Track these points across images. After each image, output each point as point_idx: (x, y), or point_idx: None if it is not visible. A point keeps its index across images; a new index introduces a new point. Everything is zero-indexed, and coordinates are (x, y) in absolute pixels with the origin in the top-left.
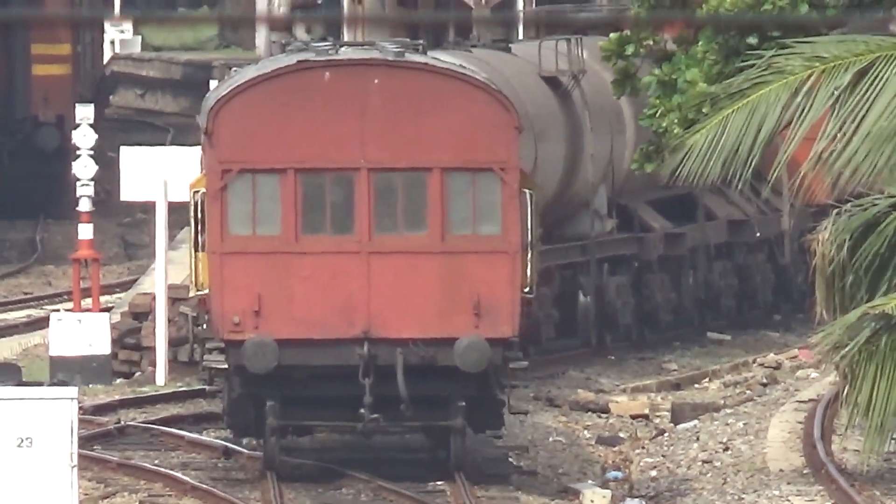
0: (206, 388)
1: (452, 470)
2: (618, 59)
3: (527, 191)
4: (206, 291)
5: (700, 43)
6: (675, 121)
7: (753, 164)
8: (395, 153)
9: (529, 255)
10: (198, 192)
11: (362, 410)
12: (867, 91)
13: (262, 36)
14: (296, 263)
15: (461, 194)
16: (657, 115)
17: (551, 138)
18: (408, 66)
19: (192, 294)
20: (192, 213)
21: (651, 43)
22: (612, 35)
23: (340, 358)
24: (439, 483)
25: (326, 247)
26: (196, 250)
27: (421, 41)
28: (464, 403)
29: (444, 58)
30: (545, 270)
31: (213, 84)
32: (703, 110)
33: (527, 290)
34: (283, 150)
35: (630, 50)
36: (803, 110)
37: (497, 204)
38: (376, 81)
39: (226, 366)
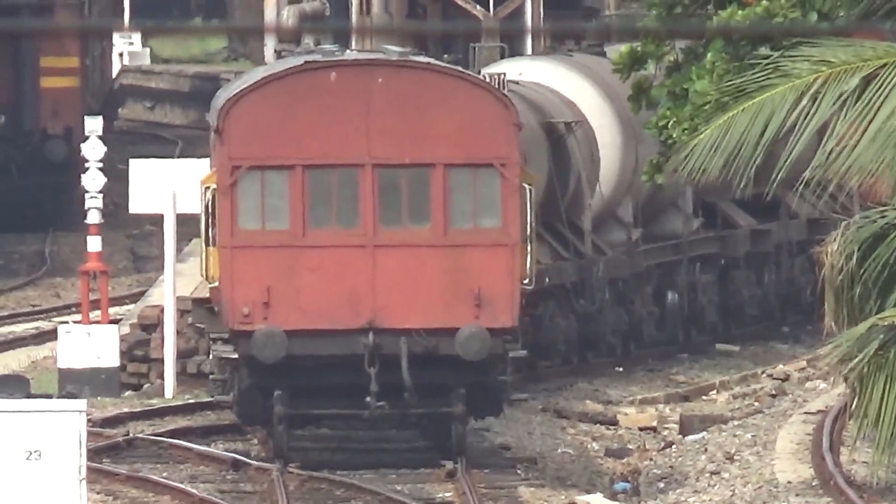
0: (213, 396)
1: (454, 456)
2: (630, 72)
3: (526, 185)
4: (217, 284)
5: (710, 54)
6: (685, 131)
7: (757, 162)
8: (398, 150)
9: (529, 248)
10: (209, 188)
11: (368, 398)
12: (874, 96)
13: (270, 49)
14: (303, 256)
15: (463, 189)
16: (667, 125)
17: (648, 139)
18: (411, 65)
19: (189, 296)
20: (202, 209)
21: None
22: (623, 49)
23: (346, 347)
24: (448, 494)
25: (333, 240)
26: (207, 244)
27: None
28: (464, 391)
29: (545, 63)
30: (645, 271)
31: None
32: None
33: (526, 281)
34: (291, 147)
35: (650, 67)
36: (808, 113)
37: (497, 198)
38: (380, 81)
39: (235, 356)
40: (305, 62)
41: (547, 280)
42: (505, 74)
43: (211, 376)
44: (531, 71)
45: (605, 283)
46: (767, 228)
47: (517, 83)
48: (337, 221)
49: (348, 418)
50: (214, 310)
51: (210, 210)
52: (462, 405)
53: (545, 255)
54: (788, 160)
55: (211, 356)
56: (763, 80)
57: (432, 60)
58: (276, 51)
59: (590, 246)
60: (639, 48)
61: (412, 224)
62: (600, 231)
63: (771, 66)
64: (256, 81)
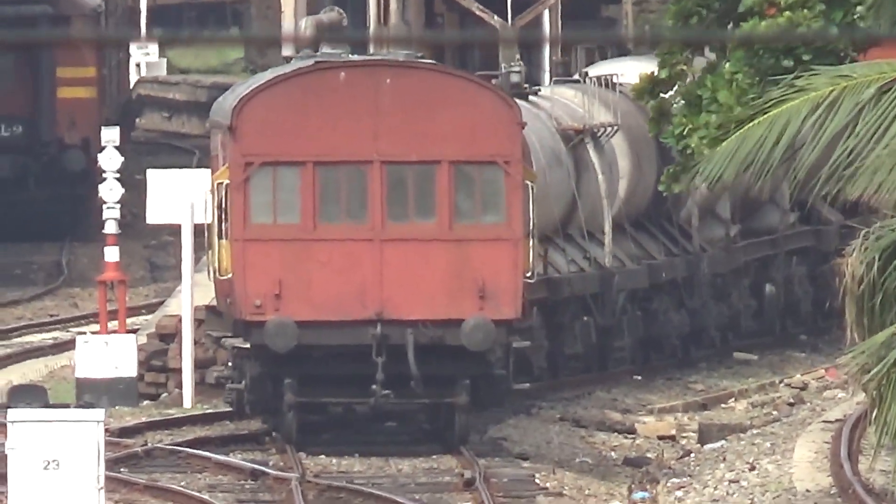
0: (226, 388)
1: (456, 444)
2: (650, 97)
3: (528, 182)
4: (229, 276)
5: (728, 63)
6: (703, 140)
7: (772, 170)
8: (406, 147)
9: (531, 243)
10: (221, 183)
11: (374, 387)
12: (889, 106)
13: None
14: (314, 250)
15: (467, 186)
16: (683, 133)
17: None
18: (417, 66)
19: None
20: (214, 203)
21: (684, 69)
22: (641, 75)
23: (355, 338)
24: None
25: (342, 234)
26: (219, 238)
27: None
28: (468, 381)
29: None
30: (743, 265)
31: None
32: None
33: (528, 274)
34: (302, 145)
35: (664, 74)
36: (824, 122)
37: (501, 195)
38: (388, 81)
39: (248, 346)
40: (316, 62)
41: (663, 275)
42: (615, 76)
43: (228, 385)
44: (633, 71)
45: (709, 278)
46: (854, 225)
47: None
48: (346, 216)
49: (355, 406)
50: (225, 303)
51: (223, 205)
52: (466, 395)
53: (659, 252)
54: (801, 167)
55: (229, 363)
56: (779, 97)
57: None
58: (284, 57)
59: (697, 243)
60: (656, 73)
61: (418, 219)
62: (700, 227)
63: (786, 84)
64: (268, 81)
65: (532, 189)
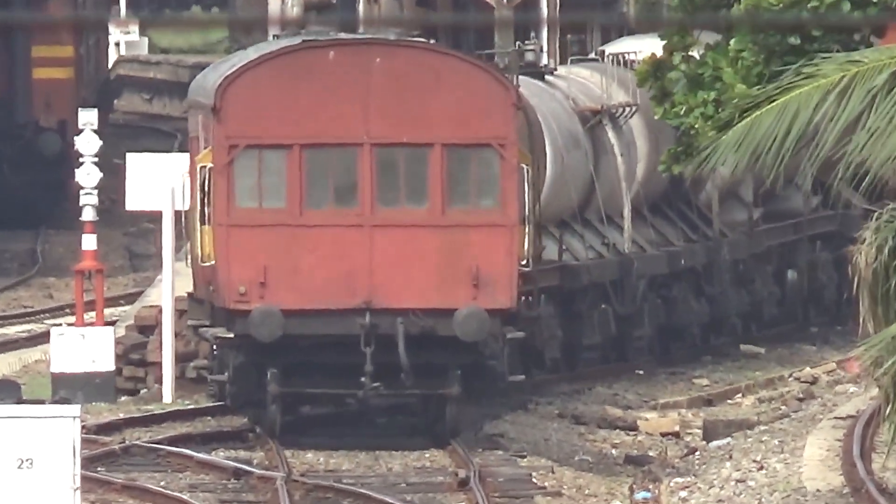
0: (208, 380)
1: (448, 437)
2: (653, 81)
3: (524, 166)
4: (212, 263)
5: (733, 41)
6: (707, 119)
7: (785, 160)
8: (397, 129)
9: (527, 229)
10: (204, 166)
11: (363, 379)
12: None
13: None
14: (300, 236)
15: (461, 169)
16: (683, 112)
17: None
18: (409, 45)
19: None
20: (197, 187)
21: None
22: (644, 58)
23: (343, 327)
24: None
25: (330, 220)
26: (201, 223)
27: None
28: (460, 372)
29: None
30: (765, 251)
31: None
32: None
33: (524, 262)
34: (289, 126)
35: (677, 59)
36: (835, 111)
37: (496, 179)
38: (378, 60)
39: (231, 335)
40: (303, 41)
41: (682, 262)
42: (632, 54)
43: (209, 377)
44: (651, 49)
45: (729, 264)
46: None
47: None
48: (334, 201)
49: (342, 398)
50: (207, 291)
51: (206, 189)
52: (458, 386)
53: (678, 239)
54: (815, 160)
55: (213, 353)
56: (788, 85)
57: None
58: (272, 35)
59: (717, 228)
60: (658, 56)
61: (410, 204)
62: (720, 211)
63: (794, 72)
64: (254, 60)
65: (528, 173)
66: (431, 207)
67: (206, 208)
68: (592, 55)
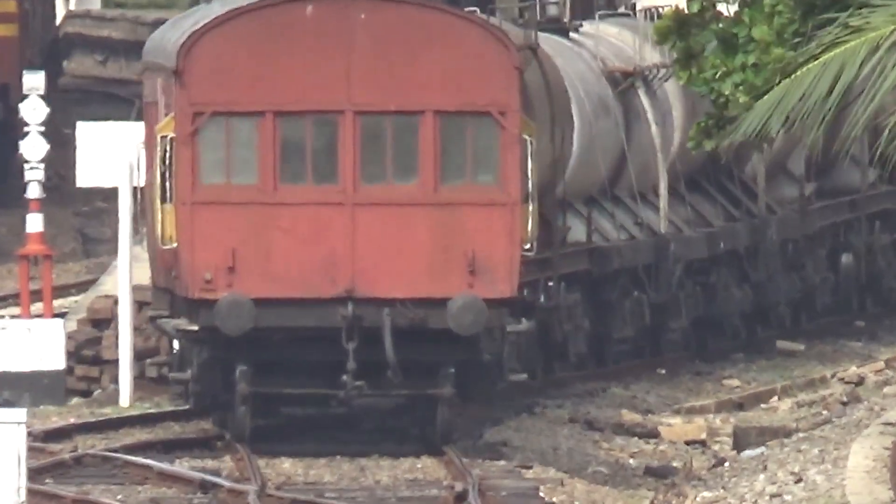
0: (170, 379)
1: (439, 443)
2: (675, 40)
3: (527, 137)
4: (174, 246)
5: None
6: (738, 85)
7: (827, 119)
8: (383, 95)
9: (530, 208)
10: (165, 137)
11: (344, 377)
12: None
13: None
14: (274, 215)
15: (456, 140)
16: (716, 76)
17: None
18: (397, 0)
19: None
20: (157, 160)
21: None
22: (666, 11)
23: (322, 319)
24: None
25: (307, 197)
26: (163, 201)
27: None
28: (453, 370)
29: None
30: (818, 231)
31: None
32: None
33: (527, 246)
34: (261, 92)
35: (695, 7)
36: (885, 68)
37: (495, 151)
38: (363, 17)
39: (195, 328)
40: None
41: (721, 245)
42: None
43: (170, 375)
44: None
45: (778, 246)
46: None
47: None
48: (312, 176)
49: (322, 400)
50: (168, 278)
51: (167, 162)
52: (451, 386)
53: (717, 217)
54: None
55: (173, 348)
56: (832, 40)
57: None
58: None
59: (763, 204)
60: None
61: (398, 180)
62: (768, 187)
63: (840, 24)
64: (221, 16)
65: (531, 145)
66: (422, 184)
67: (167, 184)
68: (622, 10)
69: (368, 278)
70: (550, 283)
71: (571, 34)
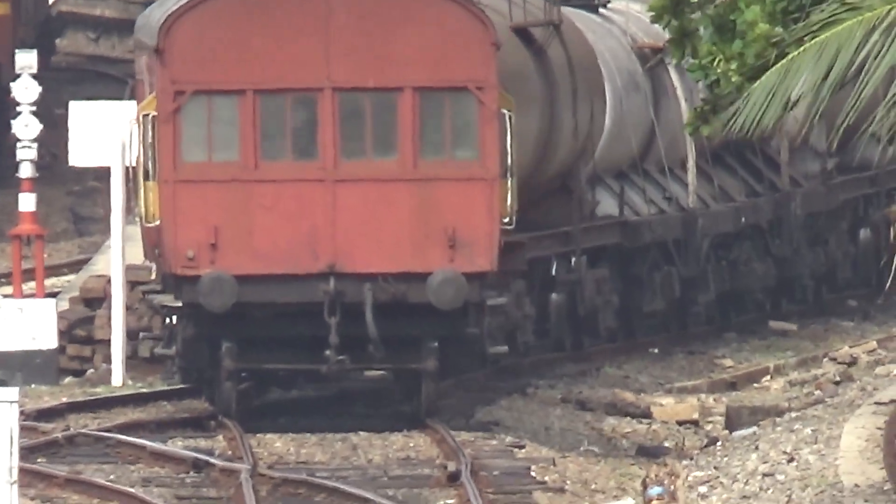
0: (154, 353)
1: (423, 417)
2: (670, 18)
3: (506, 112)
4: (157, 223)
5: None
6: (734, 69)
7: (821, 108)
8: (362, 71)
9: (509, 183)
10: (147, 115)
11: (327, 352)
12: None
13: None
14: (255, 192)
15: (434, 116)
16: (711, 63)
17: None
18: None
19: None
20: (140, 139)
21: None
22: None
23: (304, 295)
24: (450, 502)
25: (288, 174)
26: (146, 179)
27: None
28: (436, 344)
29: None
30: (840, 206)
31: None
32: (766, 56)
33: (506, 220)
34: (241, 70)
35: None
36: (882, 50)
37: (474, 126)
38: None
39: (179, 304)
40: None
41: (743, 220)
42: None
43: (155, 350)
44: None
45: (802, 220)
46: None
47: None
48: (293, 153)
49: (305, 374)
50: (154, 255)
51: (150, 140)
52: (434, 360)
53: (740, 191)
54: (856, 105)
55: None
56: (827, 18)
57: None
58: None
59: (786, 179)
60: None
61: (377, 156)
62: (790, 161)
63: (836, 1)
64: None
65: (510, 119)
66: (401, 159)
67: (149, 162)
68: None
69: (349, 254)
70: (572, 258)
71: (600, 10)
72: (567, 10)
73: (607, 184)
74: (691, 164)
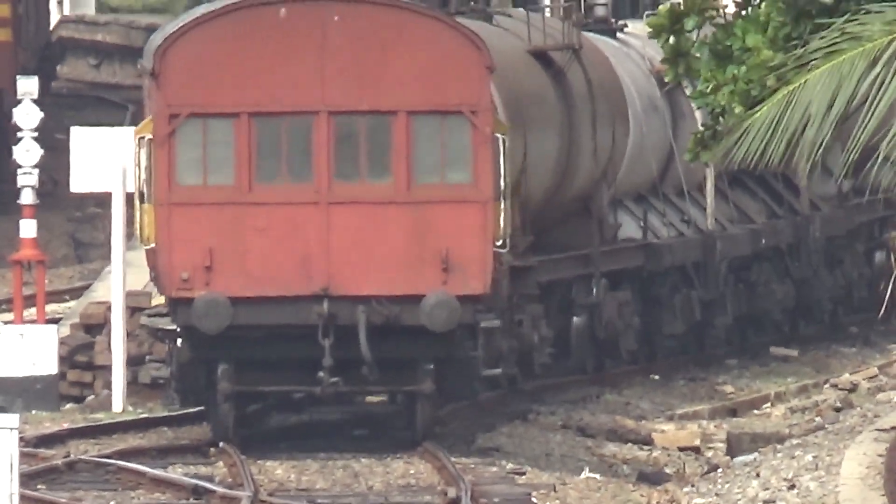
0: (154, 379)
1: (420, 439)
2: (669, 36)
3: (499, 135)
4: (153, 246)
5: (763, 4)
6: (732, 95)
7: (824, 144)
8: (356, 95)
9: (502, 206)
10: (143, 138)
11: (321, 374)
12: None
13: None
14: (250, 215)
15: (428, 139)
16: (711, 90)
17: None
18: (370, 1)
19: (142, 290)
20: (136, 161)
21: (714, 13)
22: (661, 8)
23: (298, 317)
24: None
25: (283, 197)
26: (142, 202)
27: None
28: (432, 367)
29: None
30: (856, 228)
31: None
32: (768, 83)
33: (499, 243)
34: (237, 93)
35: (691, 24)
36: (883, 82)
37: (467, 150)
38: (336, 18)
39: (174, 326)
40: None
41: (763, 242)
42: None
43: (152, 373)
44: None
45: (822, 243)
46: None
47: None
48: (287, 175)
49: (303, 398)
50: (151, 276)
51: (146, 163)
52: (430, 382)
53: (760, 214)
54: (860, 138)
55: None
56: (828, 47)
57: None
58: None
59: (806, 202)
60: (681, 6)
61: (371, 178)
62: (808, 183)
63: (836, 29)
64: (197, 18)
65: (504, 143)
66: (395, 182)
67: (146, 185)
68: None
69: (343, 276)
70: (592, 281)
71: (619, 34)
72: (588, 35)
73: (627, 206)
74: (710, 186)
